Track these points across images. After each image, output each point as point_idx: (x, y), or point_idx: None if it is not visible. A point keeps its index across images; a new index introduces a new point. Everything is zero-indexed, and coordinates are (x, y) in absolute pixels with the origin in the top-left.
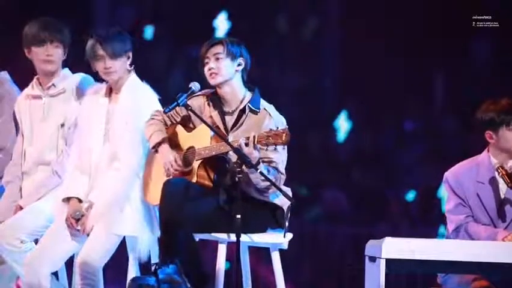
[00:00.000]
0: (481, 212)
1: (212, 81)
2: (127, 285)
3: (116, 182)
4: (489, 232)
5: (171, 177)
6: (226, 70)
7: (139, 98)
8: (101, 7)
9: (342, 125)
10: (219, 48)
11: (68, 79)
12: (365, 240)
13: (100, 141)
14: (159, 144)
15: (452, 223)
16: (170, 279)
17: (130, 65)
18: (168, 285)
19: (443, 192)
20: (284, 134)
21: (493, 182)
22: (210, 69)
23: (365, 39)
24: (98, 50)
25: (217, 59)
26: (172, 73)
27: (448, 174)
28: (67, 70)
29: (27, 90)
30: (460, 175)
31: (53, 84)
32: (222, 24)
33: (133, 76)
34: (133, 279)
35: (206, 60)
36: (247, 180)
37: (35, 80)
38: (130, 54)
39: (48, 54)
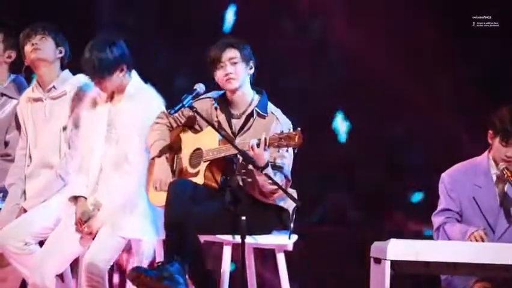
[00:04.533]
0: (475, 215)
1: (229, 86)
2: (127, 273)
3: (127, 184)
4: (463, 230)
5: (177, 178)
6: (242, 75)
7: (144, 100)
8: (103, 9)
9: (346, 125)
10: (234, 53)
11: (69, 81)
12: (370, 241)
13: (102, 143)
14: (158, 157)
15: (435, 224)
16: (171, 277)
17: (129, 71)
18: (169, 281)
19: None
20: (297, 136)
21: (490, 185)
22: (227, 74)
23: (367, 41)
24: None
25: (234, 63)
26: (176, 75)
27: (444, 176)
28: (67, 72)
29: (28, 93)
30: (457, 177)
31: (54, 87)
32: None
33: (135, 78)
34: (134, 268)
35: (221, 65)
36: (252, 183)
37: (35, 82)
38: (124, 66)
39: (33, 43)
